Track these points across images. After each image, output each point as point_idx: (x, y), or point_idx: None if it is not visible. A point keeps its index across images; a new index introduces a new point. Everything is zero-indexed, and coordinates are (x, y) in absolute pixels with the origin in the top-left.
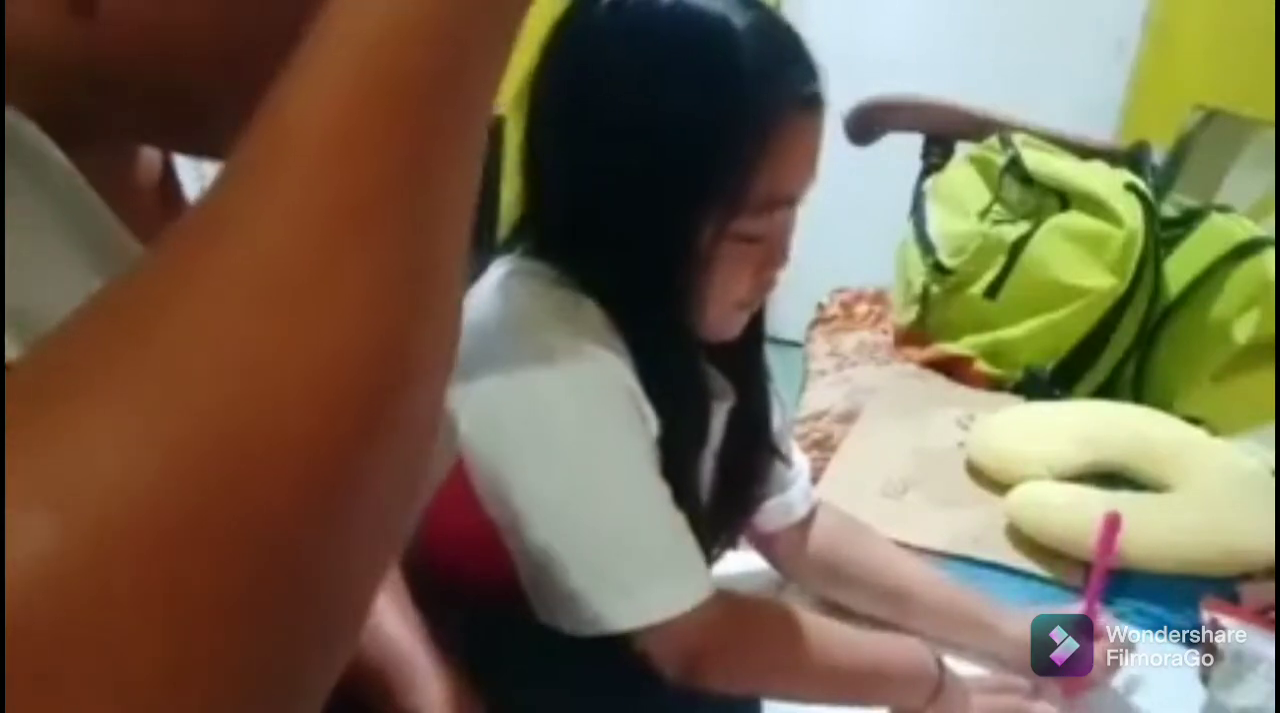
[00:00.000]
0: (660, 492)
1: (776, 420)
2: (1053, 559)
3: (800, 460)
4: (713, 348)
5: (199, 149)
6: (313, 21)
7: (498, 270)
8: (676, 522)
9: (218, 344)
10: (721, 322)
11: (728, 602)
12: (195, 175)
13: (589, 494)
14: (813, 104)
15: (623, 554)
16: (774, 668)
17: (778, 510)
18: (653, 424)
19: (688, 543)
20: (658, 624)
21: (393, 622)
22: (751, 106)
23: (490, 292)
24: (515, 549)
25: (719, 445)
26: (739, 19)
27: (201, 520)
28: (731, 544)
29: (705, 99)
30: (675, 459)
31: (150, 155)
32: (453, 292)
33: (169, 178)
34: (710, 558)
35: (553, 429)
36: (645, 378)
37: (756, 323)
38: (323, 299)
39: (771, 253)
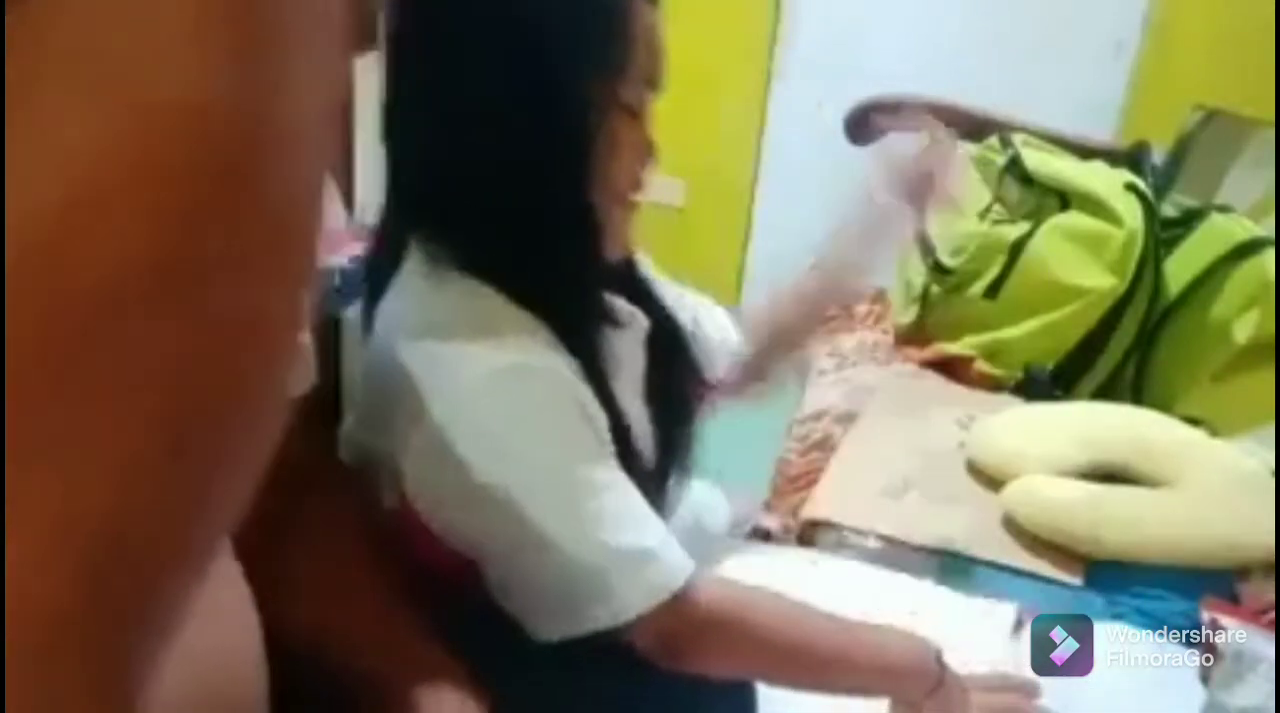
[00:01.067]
0: (623, 484)
1: (702, 323)
2: (1052, 556)
3: (718, 311)
4: (610, 282)
5: None
6: None
7: (410, 278)
8: (640, 509)
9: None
10: (619, 224)
11: (716, 585)
12: None
13: (554, 506)
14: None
15: (596, 557)
16: (765, 653)
17: (723, 354)
18: (600, 418)
19: (655, 527)
20: (638, 617)
21: (395, 628)
22: None
23: (408, 310)
24: (490, 574)
25: (648, 376)
26: None
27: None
28: (685, 475)
29: None
30: (607, 395)
31: None
32: None
33: None
34: (666, 504)
35: (507, 450)
36: (566, 338)
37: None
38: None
39: (646, 139)
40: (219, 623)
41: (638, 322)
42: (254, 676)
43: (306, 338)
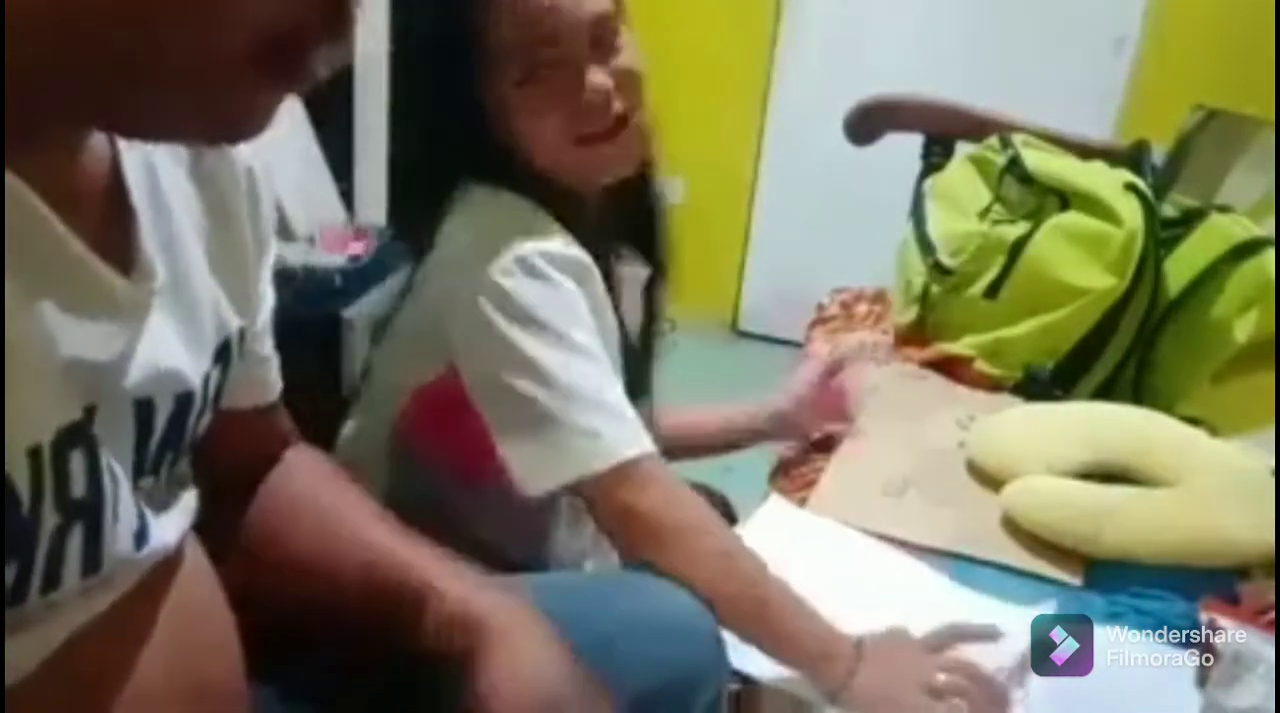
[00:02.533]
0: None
1: None
2: (1052, 555)
3: None
4: (623, 227)
5: (156, 123)
6: None
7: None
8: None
9: None
10: (583, 163)
11: (675, 475)
12: (145, 187)
13: (566, 362)
14: None
15: (593, 407)
16: (703, 551)
17: None
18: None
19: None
20: (617, 465)
21: (398, 548)
22: None
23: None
24: (498, 427)
25: (634, 318)
26: None
27: None
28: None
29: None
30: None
31: (97, 157)
32: None
33: (117, 181)
34: None
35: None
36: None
37: (646, 192)
38: None
39: (575, 85)
40: (196, 619)
41: (638, 270)
42: (232, 666)
43: (269, 349)
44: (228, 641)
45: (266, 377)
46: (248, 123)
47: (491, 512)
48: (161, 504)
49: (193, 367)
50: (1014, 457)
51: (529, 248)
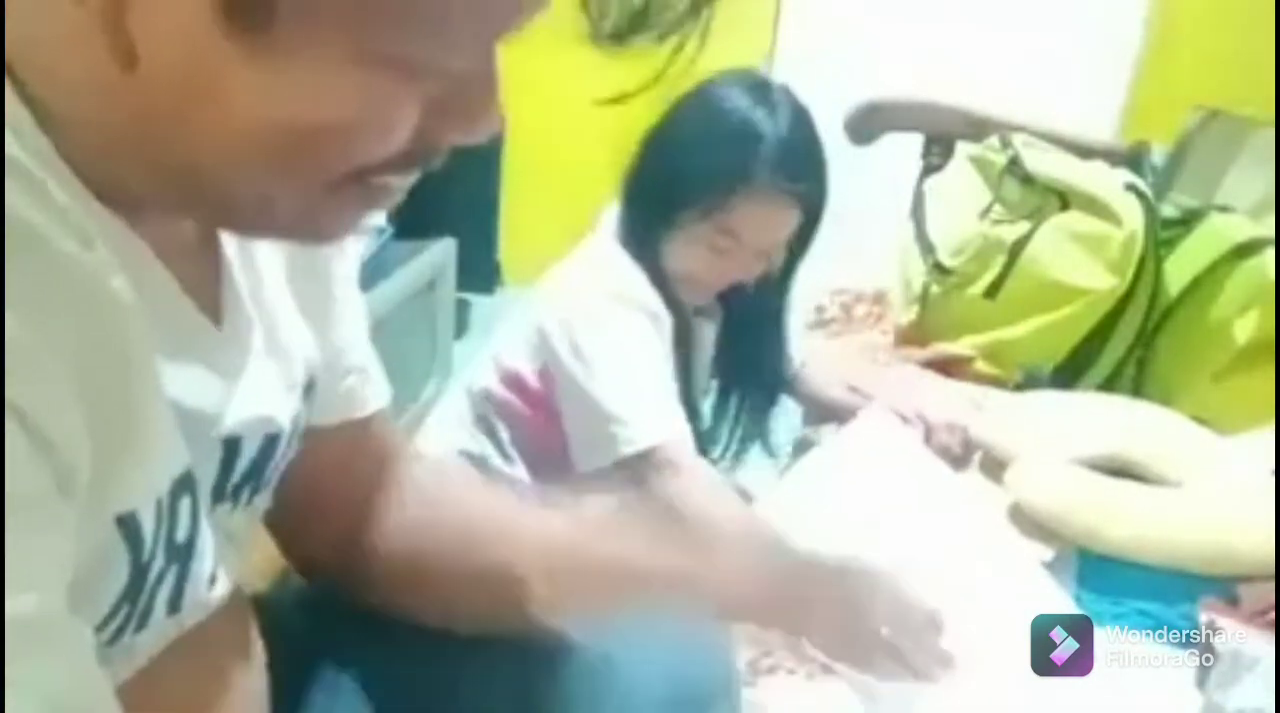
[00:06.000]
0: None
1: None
2: (1053, 545)
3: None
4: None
5: (241, 231)
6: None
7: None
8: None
9: None
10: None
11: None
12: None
13: (622, 361)
14: None
15: (643, 397)
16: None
17: None
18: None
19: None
20: (658, 444)
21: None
22: None
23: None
24: (573, 422)
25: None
26: None
27: None
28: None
29: None
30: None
31: None
32: None
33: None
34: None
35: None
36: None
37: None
38: None
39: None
40: (226, 677)
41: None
42: (254, 665)
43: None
44: (244, 634)
45: (355, 390)
46: (331, 235)
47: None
48: (229, 535)
49: (283, 408)
50: (1021, 451)
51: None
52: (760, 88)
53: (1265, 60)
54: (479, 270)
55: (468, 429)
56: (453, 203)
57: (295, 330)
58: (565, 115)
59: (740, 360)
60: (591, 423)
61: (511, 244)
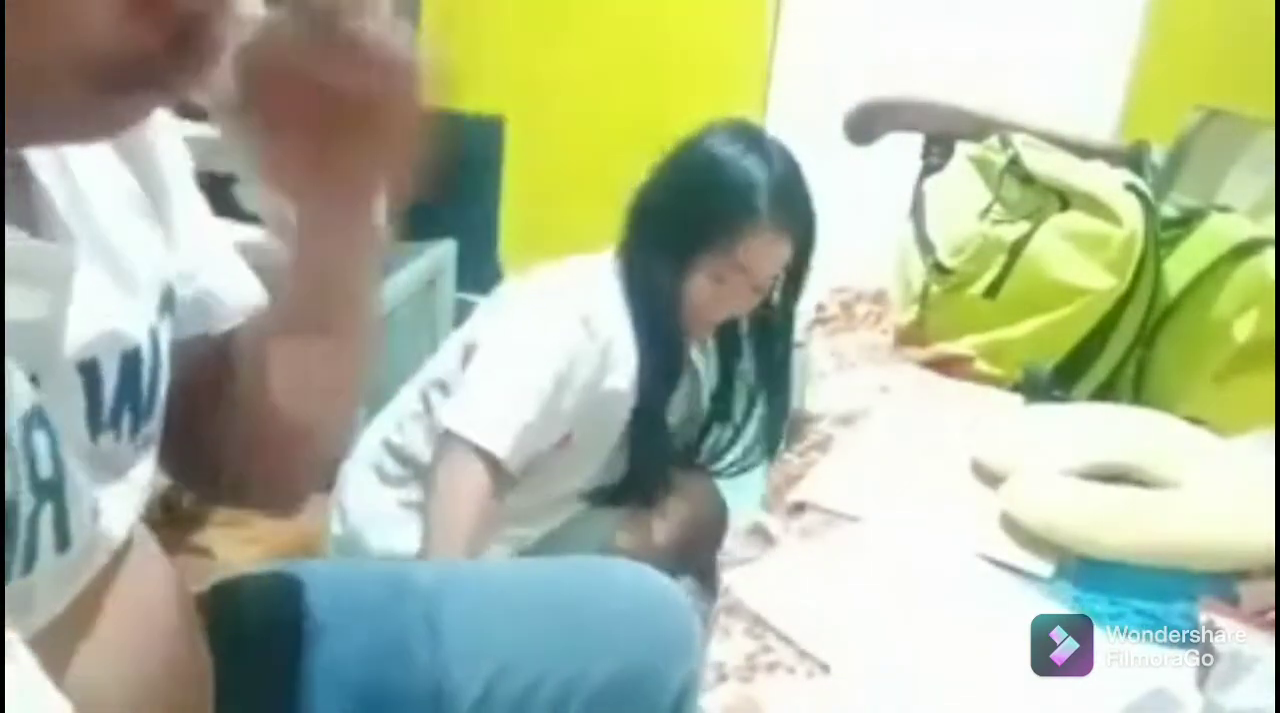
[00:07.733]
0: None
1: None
2: (1051, 554)
3: None
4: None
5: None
6: None
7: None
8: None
9: None
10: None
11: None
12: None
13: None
14: None
15: (496, 393)
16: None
17: None
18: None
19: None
20: (469, 440)
21: None
22: None
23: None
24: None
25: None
26: None
27: None
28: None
29: None
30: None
31: None
32: None
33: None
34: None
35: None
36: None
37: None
38: None
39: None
40: (154, 622)
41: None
42: (192, 670)
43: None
44: (185, 626)
45: (212, 305)
46: (101, 132)
47: None
48: (119, 470)
49: (134, 322)
50: (1016, 457)
51: None
52: (748, 136)
53: (1265, 60)
54: (479, 270)
55: (400, 421)
56: (453, 203)
57: (134, 238)
58: (566, 116)
59: (757, 389)
60: (457, 382)
61: (511, 244)
